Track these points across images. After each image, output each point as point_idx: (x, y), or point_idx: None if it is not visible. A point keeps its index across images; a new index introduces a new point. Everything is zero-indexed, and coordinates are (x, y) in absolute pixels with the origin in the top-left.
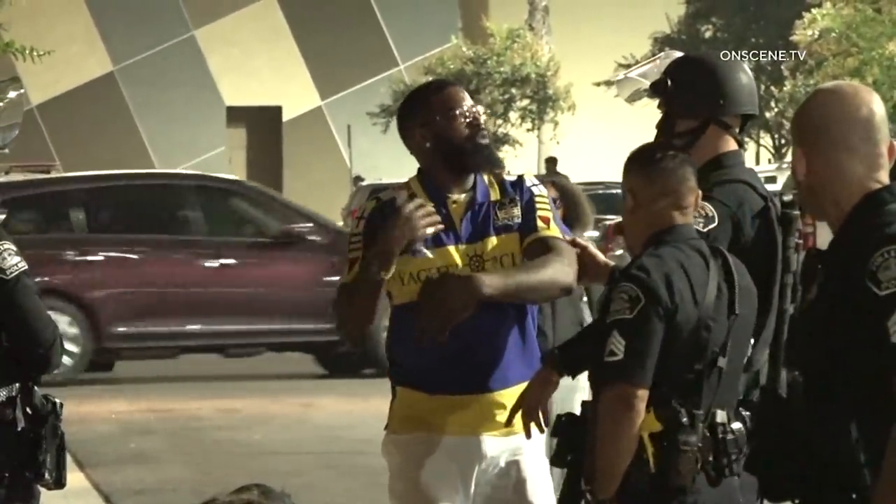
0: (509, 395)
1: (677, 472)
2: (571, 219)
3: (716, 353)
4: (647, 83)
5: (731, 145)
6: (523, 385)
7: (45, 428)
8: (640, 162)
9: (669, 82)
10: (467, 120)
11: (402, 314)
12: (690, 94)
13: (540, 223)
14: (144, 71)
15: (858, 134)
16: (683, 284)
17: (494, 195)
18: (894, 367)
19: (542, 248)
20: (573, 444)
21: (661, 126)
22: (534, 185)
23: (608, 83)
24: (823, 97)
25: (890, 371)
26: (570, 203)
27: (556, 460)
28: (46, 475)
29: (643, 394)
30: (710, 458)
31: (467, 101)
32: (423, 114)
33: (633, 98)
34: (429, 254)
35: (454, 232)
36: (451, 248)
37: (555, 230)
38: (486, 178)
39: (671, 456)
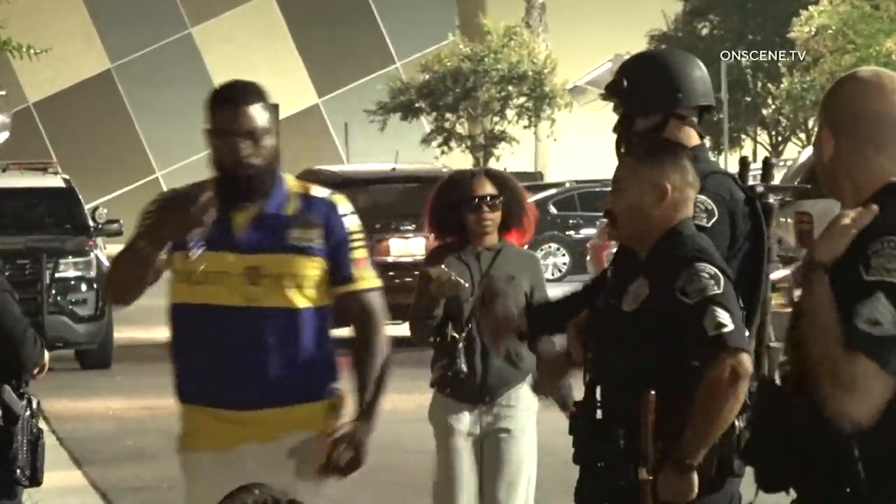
0: (273, 415)
1: (740, 457)
2: (511, 221)
3: None
4: (599, 89)
5: (695, 139)
6: (294, 407)
7: (17, 426)
8: (672, 154)
9: (625, 82)
10: (227, 149)
11: (181, 314)
12: (647, 92)
13: (354, 271)
14: (141, 69)
15: (892, 132)
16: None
17: (290, 209)
18: (853, 348)
19: (356, 309)
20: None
21: (620, 127)
22: (346, 215)
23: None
24: (863, 87)
25: (849, 350)
26: (510, 201)
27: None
28: (18, 473)
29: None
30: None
31: (238, 126)
32: (206, 117)
33: (588, 101)
34: (196, 253)
35: (233, 239)
36: (228, 256)
37: (369, 277)
38: (286, 186)
39: (733, 440)
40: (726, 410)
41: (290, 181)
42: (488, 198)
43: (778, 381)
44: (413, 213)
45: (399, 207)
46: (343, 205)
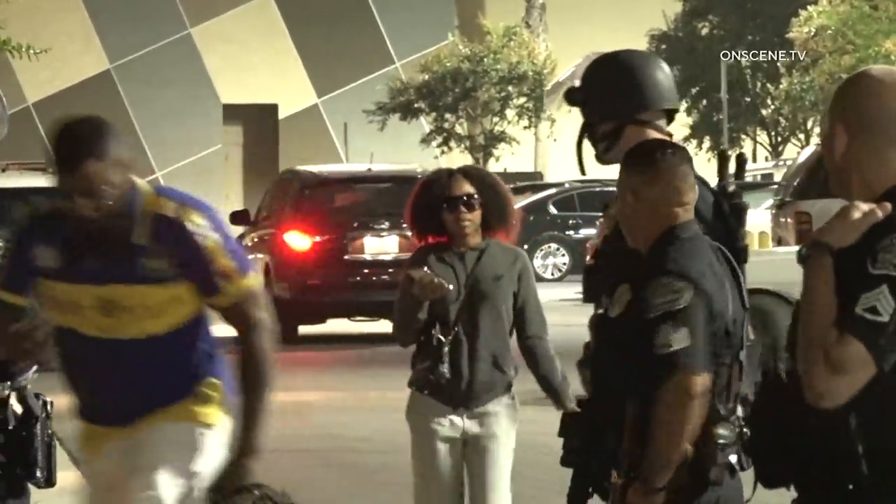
0: (136, 424)
1: (716, 465)
2: (492, 220)
3: (738, 347)
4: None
5: None
6: (158, 410)
7: (37, 426)
8: (639, 160)
9: (579, 91)
10: (71, 204)
11: (55, 333)
12: (604, 97)
13: (220, 282)
14: (141, 69)
15: None
16: (715, 277)
17: (141, 237)
18: (848, 331)
19: (232, 319)
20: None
21: (583, 131)
22: (195, 231)
23: None
24: (877, 85)
25: (844, 332)
26: (490, 200)
27: (567, 460)
28: (38, 473)
29: (706, 380)
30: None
31: (77, 189)
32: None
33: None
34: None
35: (83, 271)
36: (79, 288)
37: (238, 283)
38: (139, 208)
39: (710, 449)
40: (678, 432)
41: (144, 200)
42: (465, 197)
43: (783, 376)
44: (388, 212)
45: (375, 207)
46: (194, 220)
